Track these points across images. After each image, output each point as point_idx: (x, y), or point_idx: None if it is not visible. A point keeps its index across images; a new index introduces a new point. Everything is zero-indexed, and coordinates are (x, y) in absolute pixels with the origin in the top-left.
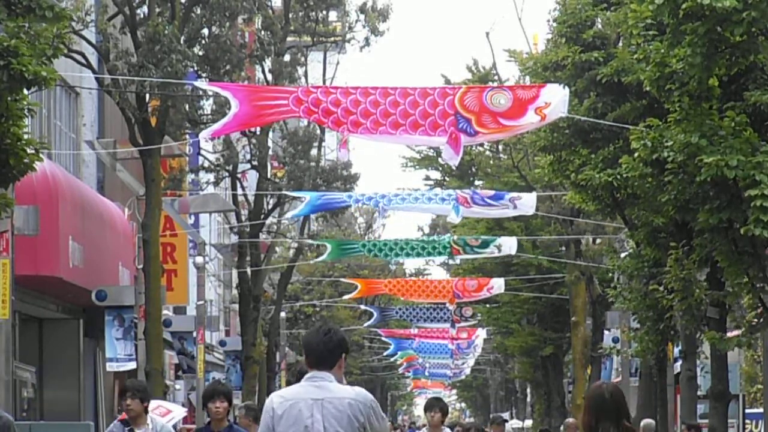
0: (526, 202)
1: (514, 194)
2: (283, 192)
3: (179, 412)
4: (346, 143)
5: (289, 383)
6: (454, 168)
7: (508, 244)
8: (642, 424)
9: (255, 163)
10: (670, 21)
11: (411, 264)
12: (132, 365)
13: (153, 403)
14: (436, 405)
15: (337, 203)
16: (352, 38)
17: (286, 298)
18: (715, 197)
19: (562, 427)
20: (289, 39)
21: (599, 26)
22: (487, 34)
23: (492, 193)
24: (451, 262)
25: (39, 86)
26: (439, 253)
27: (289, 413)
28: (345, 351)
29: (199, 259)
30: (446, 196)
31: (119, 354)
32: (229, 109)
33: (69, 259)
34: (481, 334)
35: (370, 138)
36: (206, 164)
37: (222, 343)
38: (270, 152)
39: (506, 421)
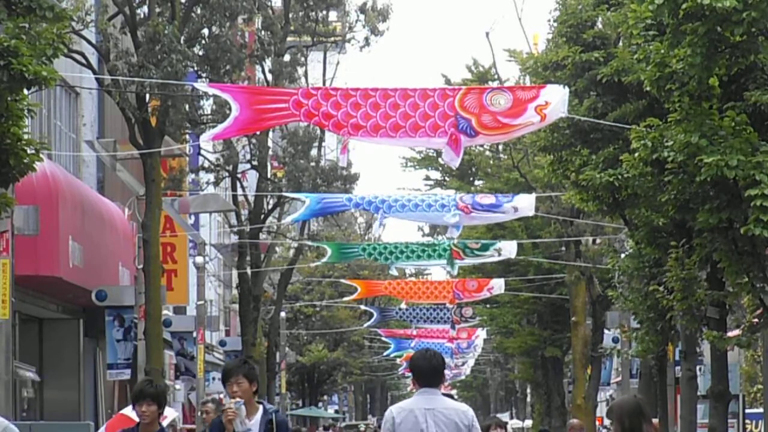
0: (526, 206)
1: (513, 202)
2: (283, 194)
3: (171, 412)
4: (346, 147)
5: None
6: (454, 168)
7: (508, 248)
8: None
9: (255, 163)
10: (670, 21)
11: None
12: (128, 373)
13: None
14: None
15: (337, 207)
16: (352, 38)
17: (286, 298)
18: (715, 197)
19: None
20: (289, 39)
21: (599, 26)
22: (487, 34)
23: (492, 201)
24: (449, 270)
25: (39, 86)
26: (440, 256)
27: (407, 420)
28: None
29: (199, 259)
30: (446, 202)
31: (119, 358)
32: (230, 109)
33: (69, 259)
34: (481, 334)
35: (371, 141)
36: (206, 164)
37: (222, 343)
38: (270, 152)
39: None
